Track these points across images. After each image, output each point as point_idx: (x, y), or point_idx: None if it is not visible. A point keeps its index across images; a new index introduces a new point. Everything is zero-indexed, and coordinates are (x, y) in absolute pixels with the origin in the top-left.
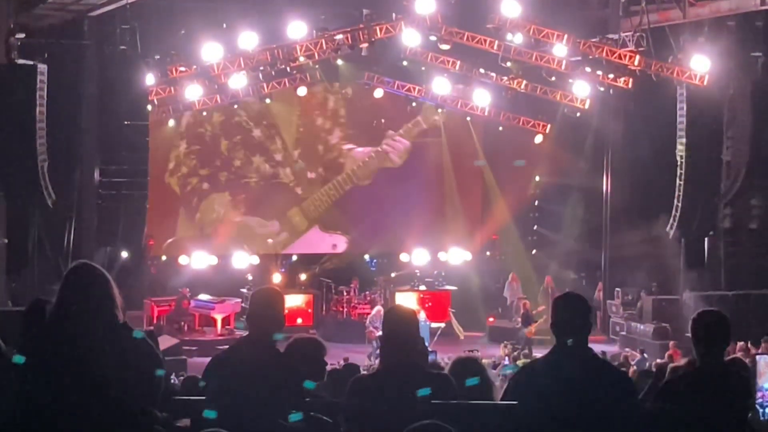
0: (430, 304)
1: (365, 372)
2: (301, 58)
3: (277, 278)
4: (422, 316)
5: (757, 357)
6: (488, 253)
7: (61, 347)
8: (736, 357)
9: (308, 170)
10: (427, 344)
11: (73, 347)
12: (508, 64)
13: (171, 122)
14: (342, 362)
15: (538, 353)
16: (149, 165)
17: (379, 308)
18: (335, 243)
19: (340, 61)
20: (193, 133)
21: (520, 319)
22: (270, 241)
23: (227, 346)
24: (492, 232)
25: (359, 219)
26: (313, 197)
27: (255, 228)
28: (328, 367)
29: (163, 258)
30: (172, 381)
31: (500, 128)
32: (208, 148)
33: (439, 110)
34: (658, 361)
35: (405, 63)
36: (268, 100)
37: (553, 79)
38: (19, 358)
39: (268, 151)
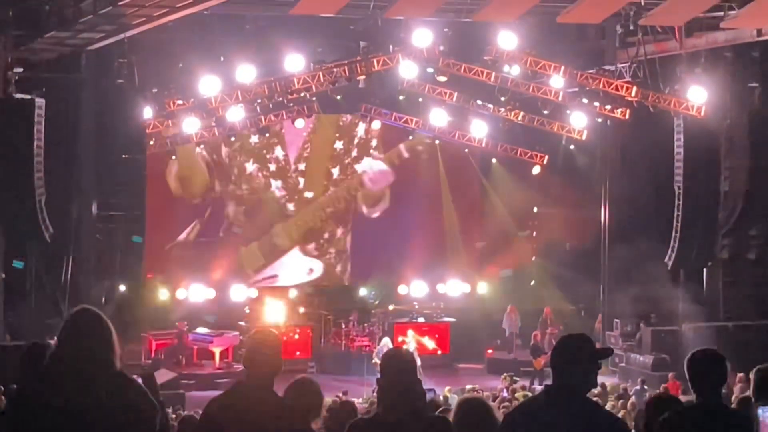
0: (436, 335)
1: (363, 415)
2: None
3: (276, 313)
4: (411, 346)
5: (760, 409)
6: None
7: (58, 393)
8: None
9: (307, 189)
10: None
11: (69, 394)
12: (502, 98)
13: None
14: (341, 395)
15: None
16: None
17: (386, 340)
18: (312, 267)
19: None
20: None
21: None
22: (245, 265)
23: (222, 391)
24: (490, 263)
25: (356, 249)
26: (303, 215)
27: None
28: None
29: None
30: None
31: (494, 160)
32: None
33: (437, 141)
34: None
35: (401, 98)
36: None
37: (546, 112)
38: None
39: (264, 158)
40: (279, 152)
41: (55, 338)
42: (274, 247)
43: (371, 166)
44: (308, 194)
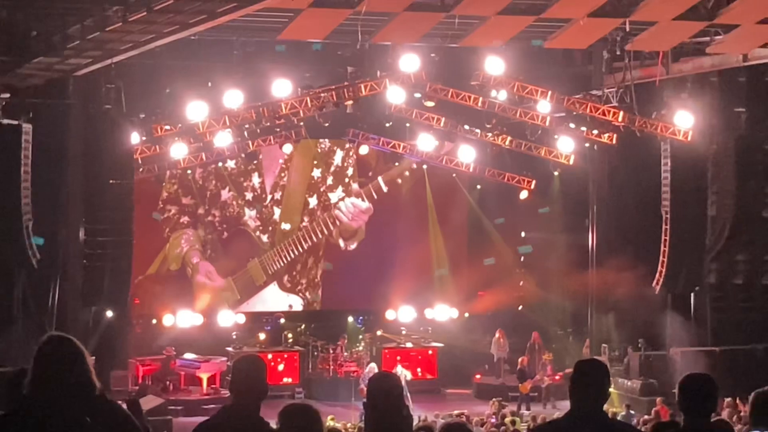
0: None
1: None
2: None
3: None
4: (398, 369)
5: None
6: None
7: (40, 419)
8: (721, 419)
9: (284, 220)
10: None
11: (52, 419)
12: (487, 126)
13: None
14: (328, 420)
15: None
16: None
17: (372, 366)
18: (291, 303)
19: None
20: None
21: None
22: (208, 299)
23: (208, 417)
24: (478, 288)
25: (339, 276)
26: (279, 249)
27: (199, 275)
28: None
29: (153, 321)
30: None
31: (478, 186)
32: (186, 178)
33: (424, 166)
34: (645, 417)
35: (388, 125)
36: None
37: (530, 137)
38: None
39: (241, 186)
40: (256, 180)
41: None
42: (250, 282)
43: (350, 203)
44: (285, 226)
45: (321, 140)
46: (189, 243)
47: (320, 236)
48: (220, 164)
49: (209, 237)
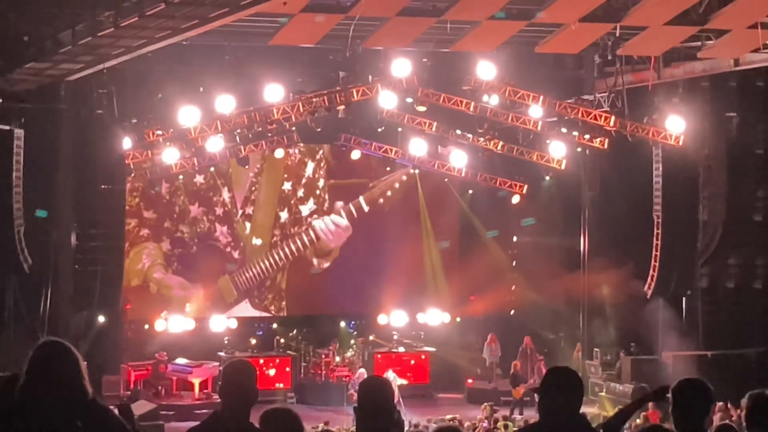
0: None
1: None
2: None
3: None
4: (390, 374)
5: None
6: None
7: (32, 424)
8: (727, 424)
9: (255, 235)
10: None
11: (43, 424)
12: (479, 131)
13: None
14: (321, 426)
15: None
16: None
17: (362, 371)
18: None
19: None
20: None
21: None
22: (188, 308)
23: (199, 422)
24: (470, 292)
25: (328, 278)
26: (249, 267)
27: (173, 290)
28: None
29: (145, 326)
30: None
31: (470, 191)
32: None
33: (416, 171)
34: (637, 422)
35: (380, 130)
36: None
37: (521, 142)
38: None
39: (210, 201)
40: (226, 194)
41: (24, 371)
42: (219, 299)
43: (331, 222)
44: (256, 241)
45: (291, 152)
46: (150, 258)
47: (294, 254)
48: (201, 177)
49: (177, 251)
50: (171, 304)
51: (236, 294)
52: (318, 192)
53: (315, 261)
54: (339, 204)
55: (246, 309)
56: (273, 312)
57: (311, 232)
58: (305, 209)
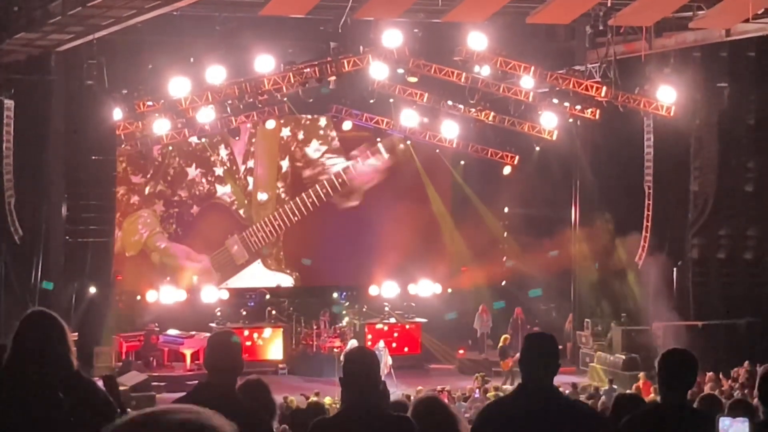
0: (402, 337)
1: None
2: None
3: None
4: (381, 344)
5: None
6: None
7: (16, 394)
8: (711, 394)
9: (259, 190)
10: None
11: (27, 394)
12: (471, 101)
13: None
14: (312, 396)
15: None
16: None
17: (353, 342)
18: (280, 283)
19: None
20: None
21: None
22: (195, 279)
23: (185, 393)
24: (462, 264)
25: (321, 249)
26: (259, 225)
27: (179, 259)
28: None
29: (137, 298)
30: None
31: (462, 162)
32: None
33: (408, 142)
34: (628, 392)
35: (372, 101)
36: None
37: (513, 113)
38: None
39: (208, 162)
40: (223, 152)
41: (10, 340)
42: (229, 262)
43: (367, 164)
44: (261, 196)
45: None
46: (147, 227)
47: (312, 207)
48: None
49: (173, 212)
50: (175, 273)
51: (247, 255)
52: (321, 132)
53: (339, 202)
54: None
55: (259, 270)
56: (288, 271)
57: (350, 170)
58: (311, 151)
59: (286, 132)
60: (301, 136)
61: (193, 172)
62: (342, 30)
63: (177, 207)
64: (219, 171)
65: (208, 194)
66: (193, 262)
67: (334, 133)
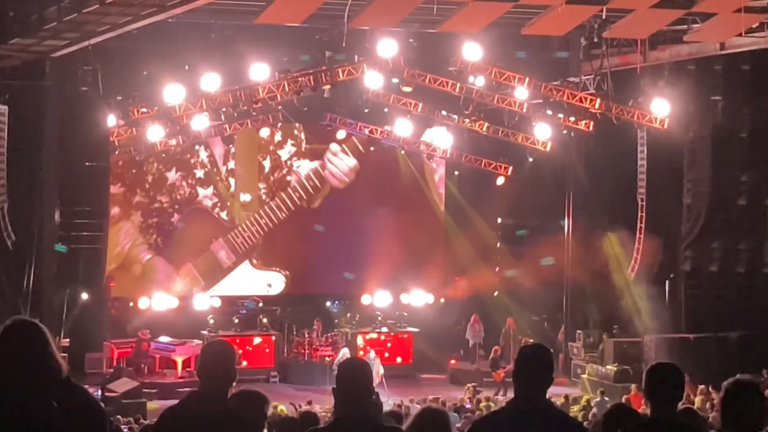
0: (394, 346)
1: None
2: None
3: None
4: (372, 353)
5: None
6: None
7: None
8: (688, 407)
9: (242, 191)
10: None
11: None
12: (465, 112)
13: None
14: (300, 405)
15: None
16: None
17: (345, 351)
18: (270, 282)
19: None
20: (123, 145)
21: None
22: (179, 287)
23: (178, 401)
24: (455, 273)
25: (313, 258)
26: (244, 226)
27: (158, 275)
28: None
29: (130, 304)
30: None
31: (456, 172)
32: (121, 158)
33: (402, 152)
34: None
35: (366, 111)
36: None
37: (507, 124)
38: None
39: (188, 164)
40: (203, 154)
41: None
42: (215, 266)
43: (342, 163)
44: (244, 197)
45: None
46: (130, 238)
47: (297, 204)
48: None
49: (152, 222)
50: (154, 286)
51: (234, 258)
52: (295, 132)
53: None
54: (334, 146)
55: (247, 271)
56: (277, 269)
57: (326, 172)
58: (284, 153)
59: (264, 132)
60: (278, 137)
61: (173, 176)
62: (337, 39)
63: (156, 216)
64: (200, 173)
65: (189, 198)
66: (172, 282)
67: (334, 146)
